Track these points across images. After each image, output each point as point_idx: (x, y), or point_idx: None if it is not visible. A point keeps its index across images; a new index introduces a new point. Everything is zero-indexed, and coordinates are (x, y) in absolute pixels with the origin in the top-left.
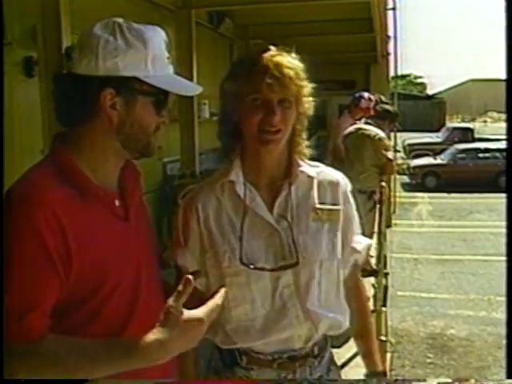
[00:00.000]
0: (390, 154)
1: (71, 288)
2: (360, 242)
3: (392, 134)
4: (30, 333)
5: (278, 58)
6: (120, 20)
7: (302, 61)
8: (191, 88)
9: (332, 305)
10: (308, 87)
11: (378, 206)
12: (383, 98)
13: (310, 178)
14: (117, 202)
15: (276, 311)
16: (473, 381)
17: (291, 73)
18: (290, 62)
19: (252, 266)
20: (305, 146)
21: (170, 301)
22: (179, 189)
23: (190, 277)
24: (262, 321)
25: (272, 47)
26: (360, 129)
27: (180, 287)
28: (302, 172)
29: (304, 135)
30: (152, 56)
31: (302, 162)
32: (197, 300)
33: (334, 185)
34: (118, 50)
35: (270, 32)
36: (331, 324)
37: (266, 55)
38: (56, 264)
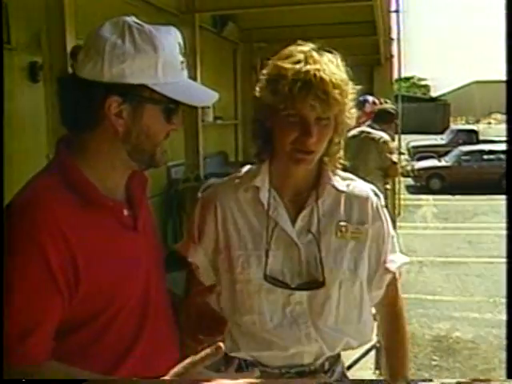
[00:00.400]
0: (395, 157)
1: (78, 306)
2: (394, 260)
3: (396, 136)
4: (30, 356)
5: (323, 75)
6: (131, 20)
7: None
8: (206, 96)
9: (350, 327)
10: (351, 103)
11: None
12: (389, 102)
13: (338, 192)
14: (125, 212)
15: (285, 327)
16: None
17: (336, 93)
18: (336, 76)
19: (266, 279)
20: (338, 157)
21: (193, 358)
22: (184, 193)
23: (222, 345)
24: (269, 333)
25: (313, 51)
26: (364, 132)
27: (208, 350)
28: (331, 185)
29: (341, 145)
30: (163, 61)
31: (332, 174)
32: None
33: (363, 200)
34: (125, 55)
35: (274, 35)
36: (344, 344)
37: (310, 68)
38: (59, 284)
